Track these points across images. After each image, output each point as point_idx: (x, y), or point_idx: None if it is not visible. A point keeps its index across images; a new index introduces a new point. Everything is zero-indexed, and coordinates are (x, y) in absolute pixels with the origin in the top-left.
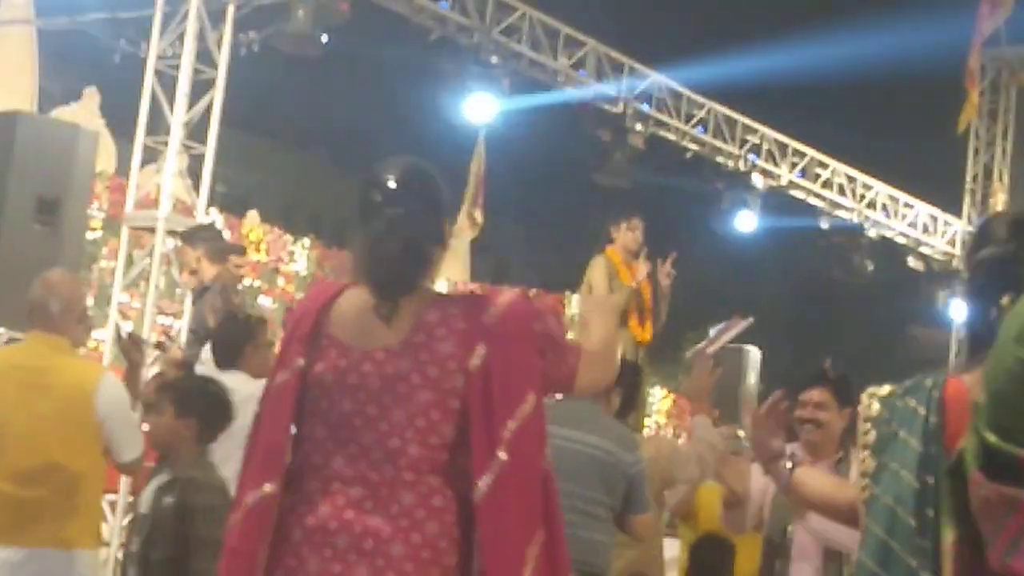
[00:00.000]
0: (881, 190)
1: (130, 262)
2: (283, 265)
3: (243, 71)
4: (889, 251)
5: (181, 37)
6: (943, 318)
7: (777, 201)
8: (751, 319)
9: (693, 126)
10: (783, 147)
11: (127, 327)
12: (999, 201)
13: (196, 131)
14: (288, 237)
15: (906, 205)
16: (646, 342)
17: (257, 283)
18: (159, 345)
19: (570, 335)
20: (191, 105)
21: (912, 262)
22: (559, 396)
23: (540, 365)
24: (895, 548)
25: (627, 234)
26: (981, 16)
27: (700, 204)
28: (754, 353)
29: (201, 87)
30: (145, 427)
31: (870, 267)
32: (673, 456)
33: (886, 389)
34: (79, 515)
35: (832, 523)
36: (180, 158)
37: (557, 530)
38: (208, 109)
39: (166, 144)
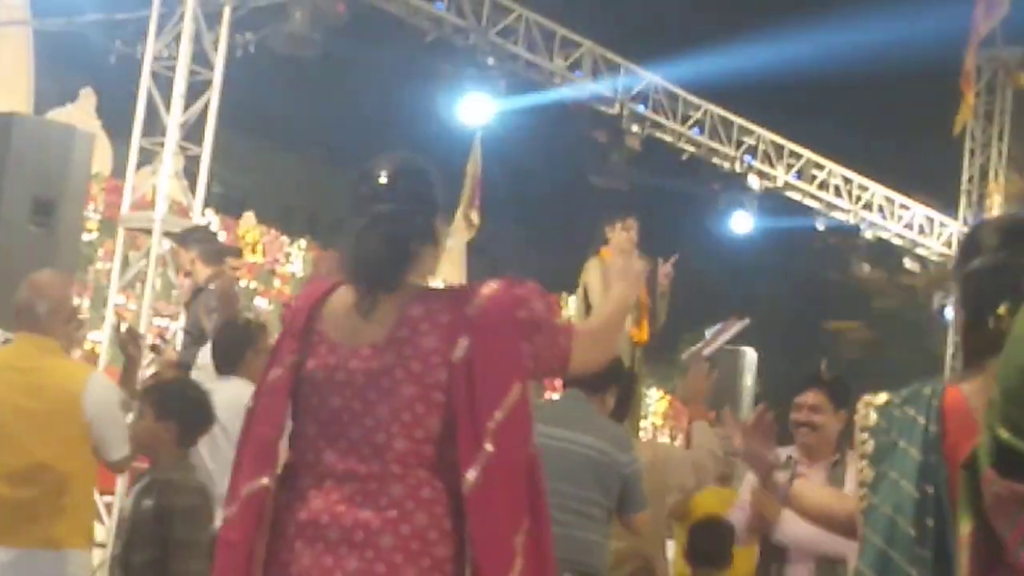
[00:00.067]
0: (877, 191)
1: (126, 264)
2: (279, 266)
3: (239, 72)
4: (885, 252)
5: (177, 38)
6: (939, 319)
7: (773, 202)
8: (747, 320)
9: (689, 127)
10: (779, 148)
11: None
12: (995, 203)
13: (192, 132)
14: (284, 238)
15: (902, 206)
16: (643, 342)
17: (253, 284)
18: (154, 348)
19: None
20: (187, 106)
21: (908, 263)
22: (554, 395)
23: (528, 352)
24: (894, 558)
25: (621, 234)
26: (977, 17)
27: (696, 205)
28: (750, 354)
29: (197, 88)
30: None
31: (866, 268)
32: (668, 462)
33: (882, 398)
34: (69, 515)
35: (804, 528)
36: (176, 159)
37: (542, 516)
38: (204, 110)
39: (162, 145)
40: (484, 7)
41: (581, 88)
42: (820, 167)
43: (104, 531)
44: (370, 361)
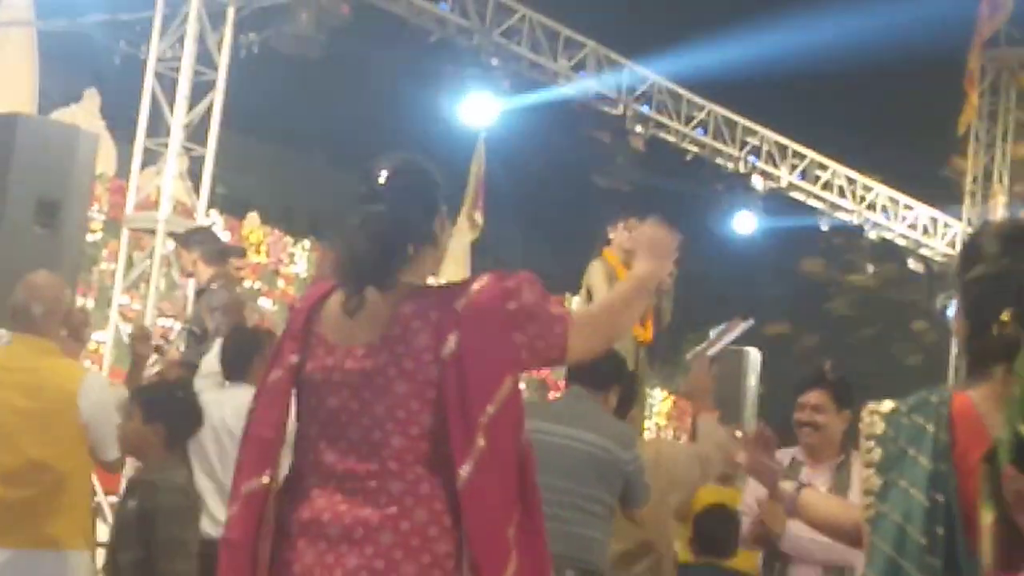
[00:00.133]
0: (881, 192)
1: (130, 264)
2: (283, 267)
3: (243, 73)
4: (889, 253)
5: (181, 39)
6: (943, 319)
7: (777, 203)
8: (751, 321)
9: (693, 128)
10: (783, 149)
11: (128, 327)
12: (999, 203)
13: (196, 133)
14: (288, 239)
15: (906, 207)
16: (647, 342)
17: (257, 285)
18: (156, 348)
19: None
20: (191, 107)
21: (912, 264)
22: (557, 394)
23: (521, 343)
24: (904, 566)
25: (624, 235)
26: (981, 17)
27: (700, 206)
28: (754, 355)
29: (201, 89)
30: None
31: (870, 268)
32: (675, 458)
33: (888, 406)
34: (67, 514)
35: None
36: (180, 160)
37: (534, 508)
38: (208, 111)
39: (166, 146)
40: (488, 8)
41: (585, 88)
42: (824, 167)
43: (107, 531)
44: (365, 361)
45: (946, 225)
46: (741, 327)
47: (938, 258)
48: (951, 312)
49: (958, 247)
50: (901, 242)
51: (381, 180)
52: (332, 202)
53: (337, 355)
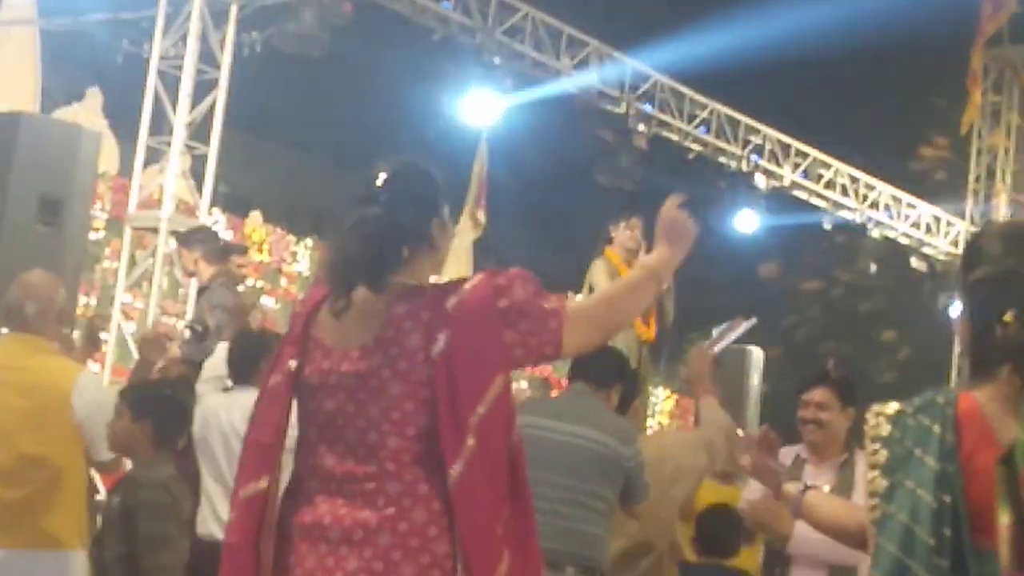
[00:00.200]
0: (884, 190)
1: (133, 263)
2: (286, 265)
3: (246, 71)
4: (892, 251)
5: (184, 37)
6: (946, 318)
7: (780, 201)
8: (754, 319)
9: (696, 126)
10: (786, 147)
11: (131, 325)
12: (1002, 202)
13: (199, 132)
14: (291, 237)
15: (909, 205)
16: (650, 340)
17: (260, 283)
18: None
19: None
20: (194, 106)
21: (915, 262)
22: (556, 392)
23: (513, 341)
24: (911, 566)
25: (625, 233)
26: (984, 15)
27: (703, 205)
28: (757, 353)
29: (204, 87)
30: None
31: (873, 267)
32: (680, 446)
33: (893, 407)
34: (63, 512)
35: (817, 539)
36: (183, 159)
37: (524, 505)
38: (211, 110)
39: (169, 145)
40: (491, 6)
41: (587, 87)
42: (827, 166)
43: None
44: (359, 363)
45: (949, 224)
46: (744, 326)
47: (941, 257)
48: (953, 312)
49: (961, 246)
50: (904, 240)
51: (379, 183)
52: (335, 201)
53: (333, 358)
